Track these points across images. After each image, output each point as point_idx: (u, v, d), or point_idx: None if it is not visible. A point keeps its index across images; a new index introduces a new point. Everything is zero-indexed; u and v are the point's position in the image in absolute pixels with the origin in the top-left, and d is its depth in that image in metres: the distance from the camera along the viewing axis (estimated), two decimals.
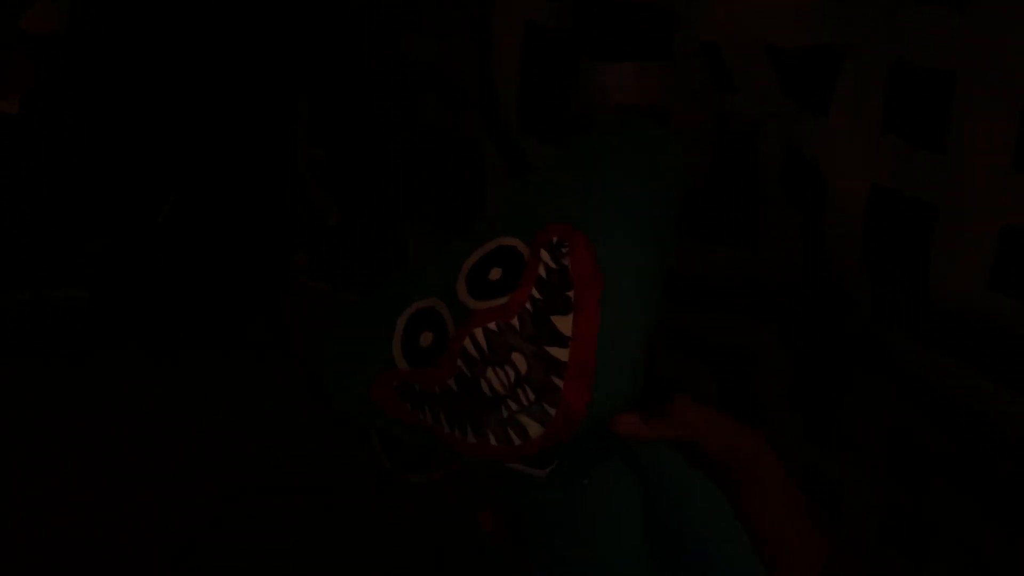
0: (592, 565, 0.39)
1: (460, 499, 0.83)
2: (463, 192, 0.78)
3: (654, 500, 0.38)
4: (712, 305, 0.59)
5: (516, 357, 0.40)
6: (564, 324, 0.41)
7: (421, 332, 0.43)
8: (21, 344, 0.87)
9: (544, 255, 0.42)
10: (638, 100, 0.52)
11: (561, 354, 0.40)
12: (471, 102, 0.71)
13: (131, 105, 0.83)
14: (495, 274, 0.42)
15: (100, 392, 0.85)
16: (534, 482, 0.40)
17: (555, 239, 0.42)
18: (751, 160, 0.52)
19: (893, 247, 0.43)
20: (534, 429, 0.40)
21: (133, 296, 0.76)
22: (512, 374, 0.40)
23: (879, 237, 0.44)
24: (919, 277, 0.42)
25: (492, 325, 0.41)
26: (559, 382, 0.40)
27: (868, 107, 0.42)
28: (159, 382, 0.87)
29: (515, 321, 0.41)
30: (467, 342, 0.41)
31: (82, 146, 0.83)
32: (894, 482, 0.57)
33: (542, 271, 0.42)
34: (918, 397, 0.49)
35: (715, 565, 0.37)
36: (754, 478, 0.39)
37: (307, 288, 0.89)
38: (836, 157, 0.44)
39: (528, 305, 0.41)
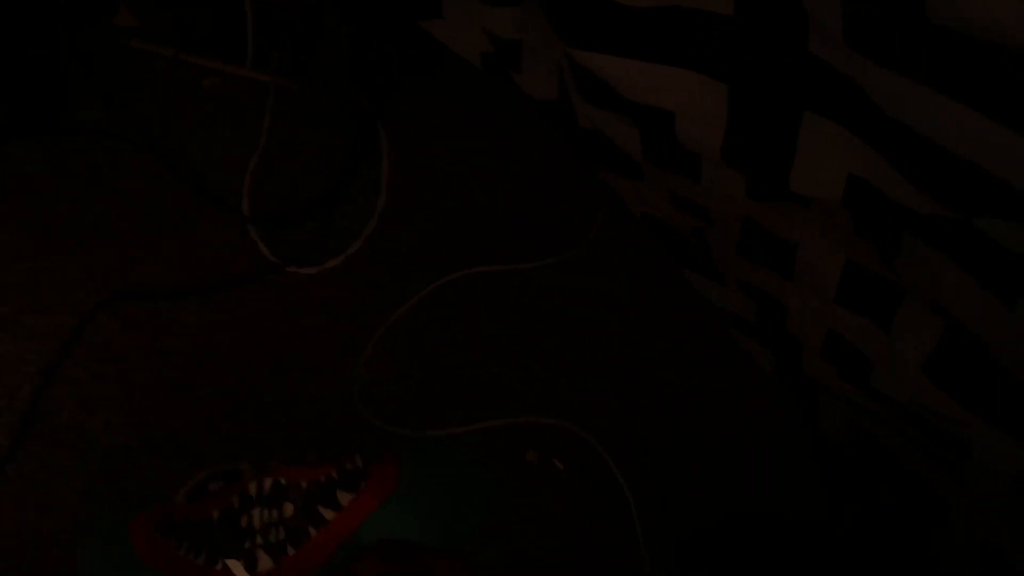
0: None
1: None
2: None
3: None
4: (620, 38, 0.45)
5: (287, 506, 0.45)
6: (345, 498, 0.46)
7: (215, 480, 0.47)
8: None
9: (357, 459, 0.48)
10: None
11: (328, 514, 0.45)
12: None
13: None
14: (310, 457, 0.48)
15: None
16: None
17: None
18: None
19: None
20: (265, 564, 0.44)
21: None
22: (276, 515, 0.44)
23: None
24: None
25: (282, 479, 0.45)
26: (313, 532, 0.44)
27: None
28: None
29: (305, 484, 0.45)
30: (252, 485, 0.45)
31: None
32: (857, 240, 0.47)
33: (348, 465, 0.48)
34: (895, 144, 0.37)
35: None
36: None
37: (141, 52, 0.72)
38: None
39: (323, 479, 0.46)
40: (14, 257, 0.72)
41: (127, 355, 0.71)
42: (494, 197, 0.75)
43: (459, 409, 0.69)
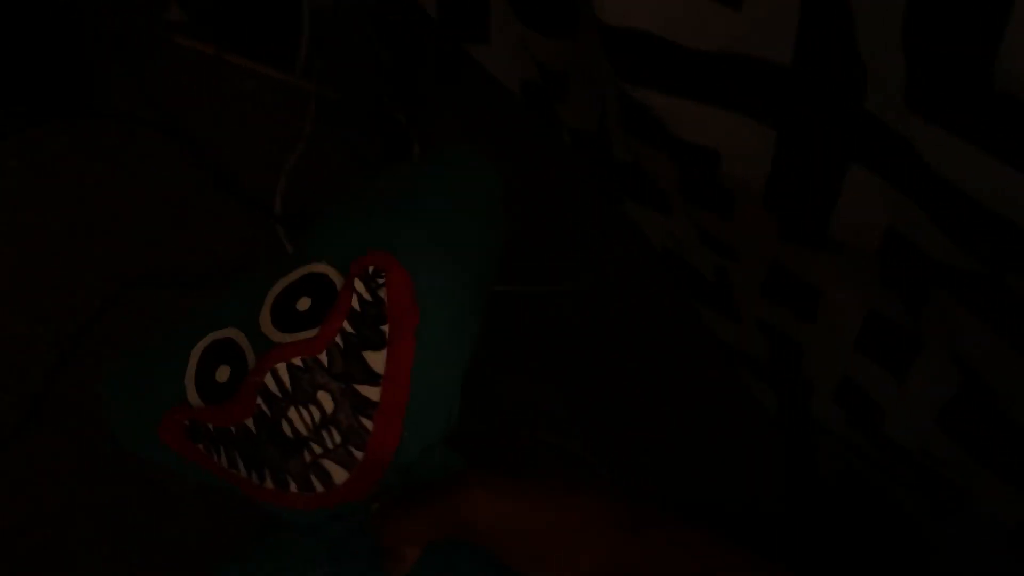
0: None
1: None
2: None
3: None
4: (677, 78, 0.47)
5: (322, 396, 0.37)
6: (376, 360, 0.38)
7: (217, 366, 0.39)
8: None
9: (358, 285, 0.38)
10: None
11: (372, 393, 0.37)
12: None
13: None
14: (304, 304, 0.39)
15: None
16: None
17: (371, 268, 0.38)
18: None
19: (947, 17, 0.31)
20: (339, 475, 0.37)
21: None
22: (317, 414, 0.37)
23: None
24: (981, 59, 0.31)
25: (297, 361, 0.37)
26: (368, 423, 0.37)
27: None
28: (13, 152, 0.73)
29: (323, 357, 0.37)
30: (268, 379, 0.37)
31: None
32: (885, 290, 0.49)
33: (355, 303, 0.38)
34: (939, 201, 0.39)
35: None
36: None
37: (184, 49, 0.74)
38: None
39: (339, 339, 0.38)
40: (37, 237, 0.72)
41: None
42: (514, 216, 0.77)
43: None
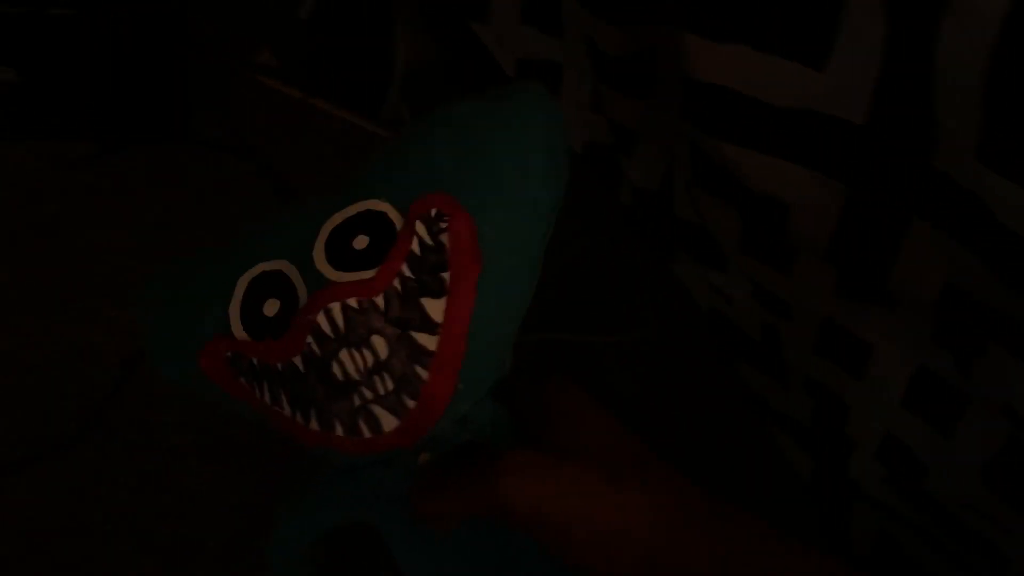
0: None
1: None
2: None
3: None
4: (754, 132, 0.51)
5: (376, 340, 0.36)
6: (435, 308, 0.36)
7: (266, 299, 0.38)
8: None
9: (420, 228, 0.37)
10: None
11: (429, 342, 0.36)
12: None
13: None
14: (361, 242, 0.37)
15: (36, 180, 0.76)
16: None
17: (434, 211, 0.37)
18: None
19: None
20: (388, 422, 0.36)
21: (67, 78, 0.65)
22: (370, 358, 0.36)
23: (1015, 58, 0.36)
24: None
25: (352, 301, 0.36)
26: (423, 373, 0.36)
27: None
28: (103, 172, 0.77)
29: (380, 300, 0.36)
30: (321, 317, 0.36)
31: None
32: (935, 345, 0.52)
33: (416, 247, 0.37)
34: (1002, 251, 0.42)
35: None
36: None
37: (271, 91, 0.79)
38: None
39: (397, 283, 0.36)
40: (110, 252, 0.76)
41: None
42: (562, 267, 0.80)
43: None
